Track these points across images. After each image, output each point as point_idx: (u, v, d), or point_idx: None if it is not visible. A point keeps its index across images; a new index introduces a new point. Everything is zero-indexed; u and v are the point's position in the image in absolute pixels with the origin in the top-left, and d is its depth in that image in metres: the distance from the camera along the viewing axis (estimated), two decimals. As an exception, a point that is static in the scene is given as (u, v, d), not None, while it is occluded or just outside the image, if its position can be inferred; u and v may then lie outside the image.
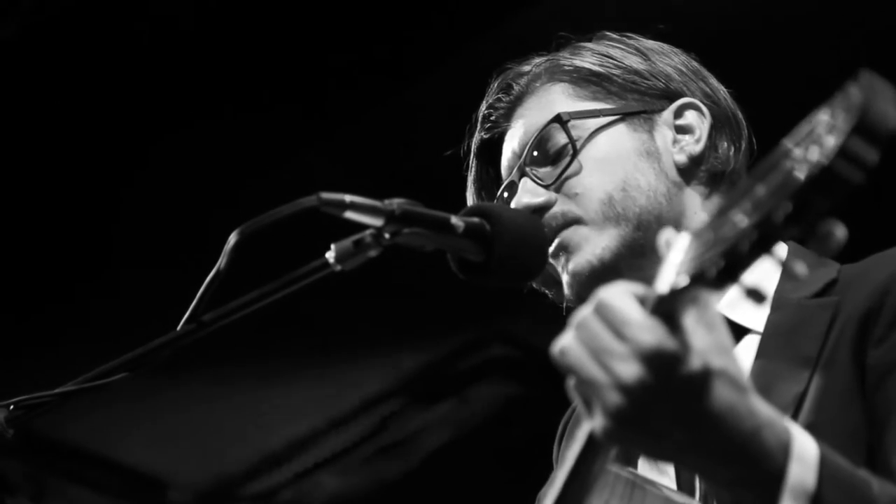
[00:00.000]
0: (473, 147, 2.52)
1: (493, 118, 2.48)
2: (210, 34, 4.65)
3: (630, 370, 1.47)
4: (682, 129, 2.38)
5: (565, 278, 2.31)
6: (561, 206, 2.33)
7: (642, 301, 1.50)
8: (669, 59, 2.44)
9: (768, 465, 1.53)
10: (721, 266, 1.41)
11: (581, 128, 2.36)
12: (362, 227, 1.94)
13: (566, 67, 2.43)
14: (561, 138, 2.36)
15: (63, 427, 5.85)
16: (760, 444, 1.52)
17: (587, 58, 2.43)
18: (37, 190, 5.04)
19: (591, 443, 1.62)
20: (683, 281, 1.44)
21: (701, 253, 1.43)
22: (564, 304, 2.36)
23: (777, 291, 2.20)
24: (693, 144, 2.36)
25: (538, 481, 2.22)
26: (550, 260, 2.31)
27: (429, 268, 2.40)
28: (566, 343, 1.53)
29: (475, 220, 2.06)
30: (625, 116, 2.37)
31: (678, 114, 2.39)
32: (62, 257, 5.21)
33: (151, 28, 4.63)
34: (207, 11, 4.59)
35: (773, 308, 2.18)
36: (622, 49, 2.43)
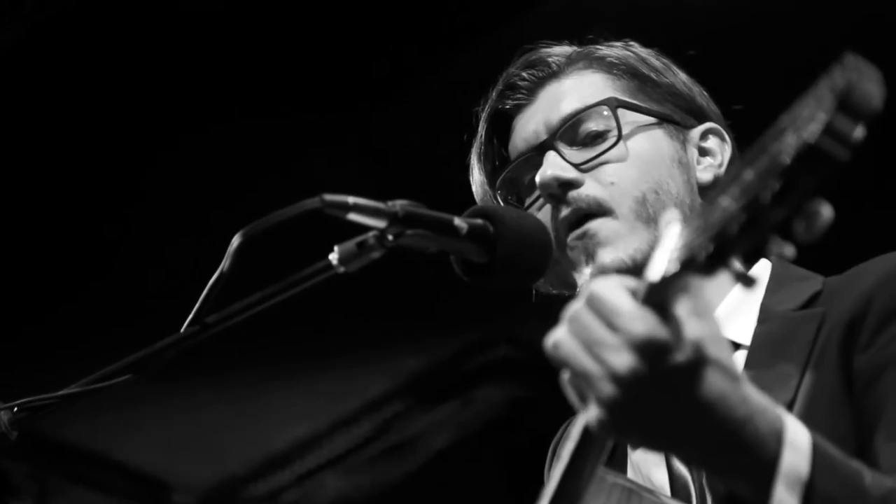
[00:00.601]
0: (487, 113, 2.49)
1: (517, 88, 2.45)
2: (218, 39, 4.65)
3: (622, 360, 1.48)
4: (704, 152, 2.40)
5: (588, 269, 2.27)
6: (592, 190, 2.30)
7: (634, 293, 1.51)
8: (698, 87, 2.47)
9: (761, 453, 1.54)
10: (710, 250, 1.42)
11: (624, 118, 2.35)
12: (366, 228, 1.94)
13: (608, 59, 2.43)
14: (603, 123, 2.35)
15: (67, 429, 5.86)
16: (753, 431, 1.53)
17: (629, 58, 2.43)
18: (43, 192, 5.05)
19: (586, 441, 1.64)
20: (674, 268, 1.45)
21: (691, 239, 1.44)
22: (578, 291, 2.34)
23: (763, 305, 2.22)
24: (716, 168, 2.38)
25: (541, 483, 2.22)
26: (569, 245, 2.29)
27: (432, 269, 2.40)
28: (559, 336, 1.53)
29: (478, 221, 2.06)
30: (665, 122, 2.38)
31: (703, 136, 2.41)
32: (66, 260, 5.22)
33: (158, 31, 4.63)
34: (212, 15, 4.59)
35: (760, 321, 2.20)
36: (660, 63, 2.45)
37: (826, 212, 1.39)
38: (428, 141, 4.72)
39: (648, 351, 1.47)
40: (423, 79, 4.73)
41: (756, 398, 1.54)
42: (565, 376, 1.54)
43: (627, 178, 2.31)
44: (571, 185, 2.31)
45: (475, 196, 2.51)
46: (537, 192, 2.36)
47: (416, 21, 4.58)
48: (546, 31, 2.57)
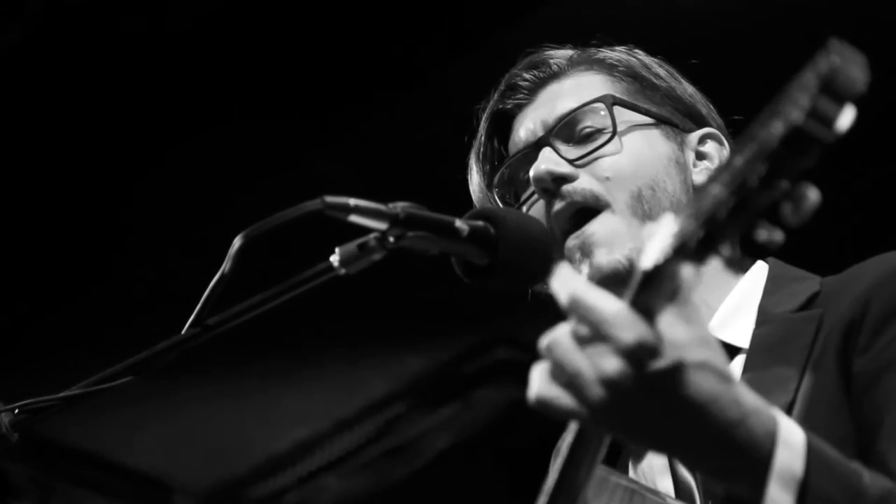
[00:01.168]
0: (488, 112, 2.52)
1: (518, 89, 2.48)
2: (218, 40, 4.66)
3: (611, 365, 1.48)
4: (701, 156, 2.42)
5: (584, 269, 2.28)
6: (587, 184, 2.32)
7: (627, 286, 1.51)
8: (693, 90, 2.49)
9: (755, 453, 1.53)
10: (701, 236, 1.43)
11: (621, 117, 2.37)
12: (367, 230, 1.94)
13: (609, 61, 2.45)
14: (597, 120, 2.37)
15: (68, 430, 5.86)
16: (747, 432, 1.53)
17: (628, 59, 2.45)
18: (43, 194, 5.05)
19: (578, 445, 1.64)
20: (666, 255, 1.46)
21: (683, 227, 1.45)
22: None
23: (761, 306, 2.23)
24: (712, 171, 2.38)
25: (542, 485, 2.22)
26: (568, 244, 2.30)
27: (433, 271, 2.40)
28: (552, 339, 1.54)
29: (480, 223, 2.06)
30: (662, 123, 2.40)
31: (701, 141, 2.42)
32: (66, 262, 5.22)
33: (158, 33, 4.64)
34: (213, 16, 4.59)
35: (758, 323, 2.20)
36: (661, 68, 2.47)
37: (813, 195, 1.40)
38: (429, 142, 4.72)
39: (636, 355, 1.48)
40: (423, 80, 4.73)
41: (749, 399, 1.54)
42: (556, 378, 1.54)
43: (623, 172, 2.32)
44: (565, 179, 2.33)
45: (473, 197, 2.52)
46: (532, 189, 2.37)
47: (416, 22, 4.58)
48: (547, 33, 2.58)
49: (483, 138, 2.51)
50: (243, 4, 4.60)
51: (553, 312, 2.32)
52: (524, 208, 2.40)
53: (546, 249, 2.16)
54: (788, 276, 2.26)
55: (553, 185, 2.32)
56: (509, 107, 2.48)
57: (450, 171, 2.58)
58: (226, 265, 1.90)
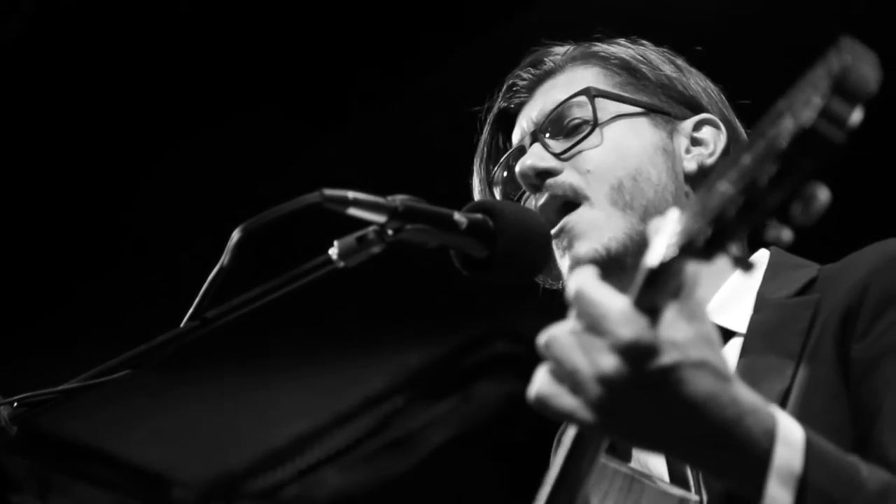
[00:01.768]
0: (490, 114, 2.55)
1: (517, 88, 2.52)
2: (215, 37, 4.65)
3: (608, 362, 1.48)
4: (696, 142, 2.43)
5: (566, 262, 2.32)
6: (569, 178, 2.35)
7: (632, 283, 1.51)
8: (698, 80, 2.50)
9: (754, 451, 1.54)
10: (708, 235, 1.42)
11: (606, 109, 2.40)
12: (366, 223, 1.94)
13: (601, 54, 2.48)
14: (583, 113, 2.39)
15: (67, 424, 5.86)
16: (745, 430, 1.53)
17: (624, 51, 2.47)
18: (42, 188, 5.05)
19: (580, 437, 1.65)
20: (673, 253, 1.45)
21: (689, 224, 1.44)
22: (562, 285, 2.37)
23: (759, 293, 2.24)
24: (706, 157, 2.41)
25: (541, 478, 2.22)
26: (553, 240, 2.32)
27: (432, 264, 2.40)
28: (551, 335, 1.54)
29: (478, 216, 2.06)
30: (650, 111, 2.41)
31: (697, 127, 2.44)
32: (66, 255, 5.22)
33: (156, 29, 4.63)
34: (212, 11, 4.59)
35: (756, 309, 2.21)
36: (659, 56, 2.49)
37: (823, 195, 1.39)
38: (428, 136, 4.72)
39: (633, 354, 1.48)
40: (423, 73, 4.73)
41: (748, 398, 1.54)
42: (552, 378, 1.53)
43: (604, 165, 2.34)
44: (549, 173, 2.36)
45: (475, 198, 2.53)
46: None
47: (416, 16, 4.58)
48: (543, 28, 2.58)
49: (486, 139, 2.55)
50: (240, 2, 4.60)
51: (552, 305, 2.32)
52: (521, 203, 2.42)
53: (544, 241, 2.17)
54: (788, 263, 2.27)
55: (537, 179, 2.36)
56: (511, 106, 2.53)
57: (448, 163, 2.58)
58: (224, 258, 1.90)
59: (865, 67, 1.37)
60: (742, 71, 2.57)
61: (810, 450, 1.56)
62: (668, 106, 2.43)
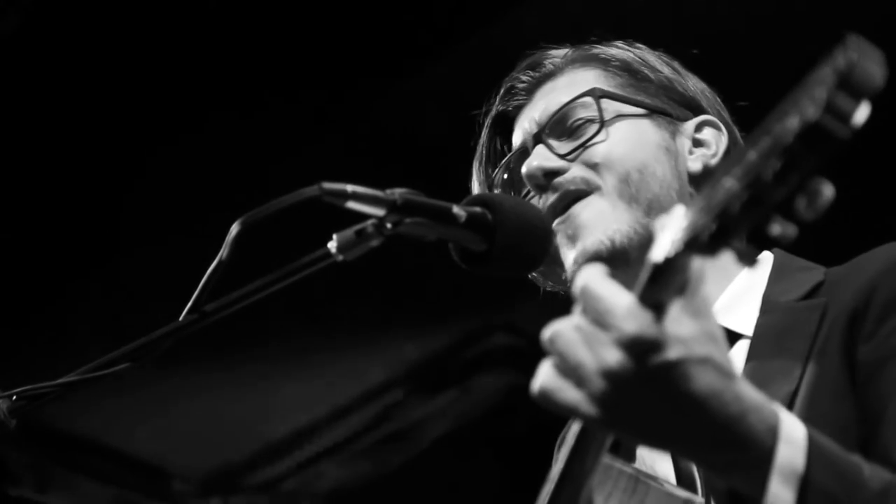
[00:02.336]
0: (489, 118, 2.55)
1: (515, 91, 2.52)
2: (214, 30, 4.65)
3: (612, 357, 1.49)
4: (698, 143, 2.43)
5: (572, 254, 2.31)
6: (578, 172, 2.35)
7: (637, 279, 1.51)
8: (696, 81, 2.51)
9: (756, 448, 1.54)
10: (713, 230, 1.42)
11: (609, 109, 2.40)
12: (364, 216, 1.94)
13: (602, 56, 2.48)
14: (587, 113, 2.39)
15: (66, 417, 5.86)
16: (748, 428, 1.53)
17: (623, 53, 2.48)
18: (40, 182, 5.04)
19: (584, 435, 1.65)
20: (678, 248, 1.45)
21: (694, 220, 1.44)
22: (567, 277, 2.36)
23: (765, 295, 2.24)
24: (710, 157, 2.41)
25: (540, 471, 2.22)
26: (556, 228, 2.32)
27: (431, 257, 2.40)
28: (556, 329, 1.54)
29: (477, 209, 2.06)
30: (652, 113, 2.42)
31: (698, 128, 2.44)
32: (65, 249, 5.22)
33: (154, 23, 4.63)
34: (211, 4, 4.59)
35: (763, 312, 2.21)
36: (657, 58, 2.49)
37: (828, 190, 1.39)
38: (427, 130, 4.72)
39: (637, 349, 1.48)
40: (422, 68, 4.73)
41: (751, 395, 1.54)
42: (556, 372, 1.54)
43: (611, 157, 2.35)
44: (556, 173, 2.36)
45: None
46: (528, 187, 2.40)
47: (411, 10, 4.58)
48: (541, 23, 2.59)
49: (485, 142, 2.55)
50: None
51: (551, 298, 2.33)
52: None
53: (543, 235, 2.16)
54: (793, 265, 2.27)
55: (545, 180, 2.36)
56: (509, 109, 2.53)
57: (447, 157, 2.58)
58: (223, 251, 1.90)
59: (871, 64, 1.37)
60: (737, 74, 2.57)
61: (813, 448, 1.56)
62: (669, 107, 2.43)
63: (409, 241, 2.01)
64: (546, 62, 2.50)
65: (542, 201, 2.36)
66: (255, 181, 4.86)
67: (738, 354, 2.17)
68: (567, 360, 1.52)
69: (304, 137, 4.95)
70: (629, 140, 2.37)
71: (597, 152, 2.35)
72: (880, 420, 1.96)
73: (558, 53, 2.52)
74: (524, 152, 2.43)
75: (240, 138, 4.92)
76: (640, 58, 2.47)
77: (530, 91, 2.50)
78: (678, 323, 1.49)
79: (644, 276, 1.49)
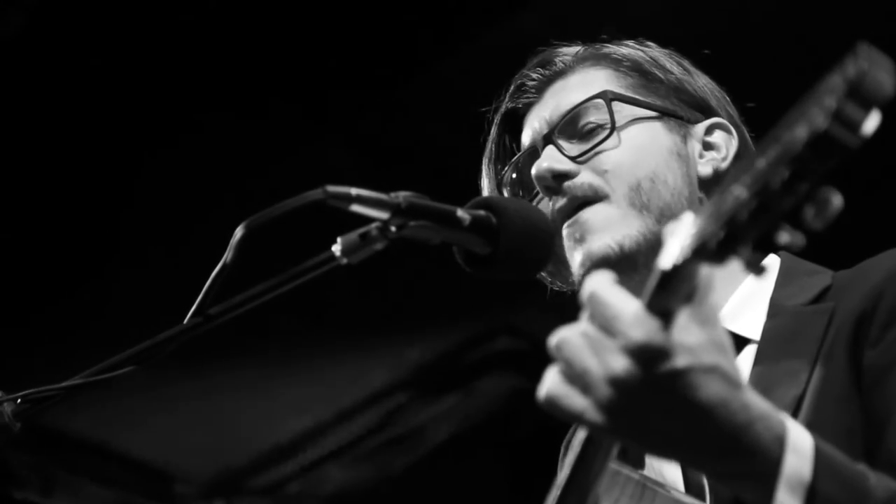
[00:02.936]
0: (498, 114, 2.54)
1: (525, 89, 2.50)
2: (213, 33, 4.65)
3: (619, 364, 1.48)
4: (708, 146, 2.42)
5: (578, 257, 2.30)
6: (588, 178, 2.34)
7: (646, 286, 1.51)
8: (706, 81, 2.49)
9: (764, 458, 1.54)
10: (721, 237, 1.42)
11: (621, 112, 2.38)
12: (368, 220, 1.94)
13: (613, 56, 2.46)
14: (598, 116, 2.38)
15: (70, 420, 5.86)
16: (755, 437, 1.53)
17: (635, 53, 2.46)
18: (43, 185, 5.05)
19: (591, 441, 1.65)
20: (686, 255, 1.45)
21: (703, 227, 1.44)
22: (574, 279, 2.36)
23: (772, 299, 2.24)
24: (720, 161, 2.40)
25: (544, 475, 2.22)
26: (564, 231, 2.32)
27: (435, 260, 2.40)
28: (563, 336, 1.54)
29: (481, 212, 2.06)
30: (664, 115, 2.40)
31: (708, 131, 2.43)
32: (68, 251, 5.22)
33: (153, 27, 4.63)
34: (214, 6, 4.59)
35: (770, 316, 2.21)
36: (667, 58, 2.48)
37: (836, 200, 1.39)
38: (431, 132, 4.72)
39: (644, 356, 1.48)
40: (422, 70, 4.73)
41: (758, 404, 1.54)
42: (563, 379, 1.53)
43: (622, 165, 2.34)
44: (566, 176, 2.35)
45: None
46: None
47: (418, 12, 4.58)
48: (544, 26, 2.58)
49: (494, 140, 2.54)
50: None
51: (555, 301, 2.33)
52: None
53: (547, 238, 2.16)
54: (800, 269, 2.27)
55: (554, 182, 2.35)
56: (519, 106, 2.51)
57: (451, 160, 2.58)
58: (228, 255, 1.90)
59: (882, 73, 1.37)
60: (746, 75, 2.57)
61: (819, 457, 1.56)
62: (680, 110, 2.42)
63: (414, 245, 2.00)
64: (557, 60, 2.49)
65: (552, 204, 2.36)
66: (257, 184, 4.86)
67: (746, 359, 2.17)
68: (573, 367, 1.51)
69: (306, 140, 4.95)
70: (641, 147, 2.35)
71: (607, 159, 2.34)
72: (886, 424, 1.96)
73: (569, 51, 2.51)
74: (534, 152, 2.42)
75: (245, 141, 4.92)
76: (651, 58, 2.46)
77: (540, 89, 2.49)
78: (686, 331, 1.49)
79: (652, 283, 1.49)
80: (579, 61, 2.48)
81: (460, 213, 2.03)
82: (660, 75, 2.43)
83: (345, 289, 4.51)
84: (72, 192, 5.07)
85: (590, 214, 2.31)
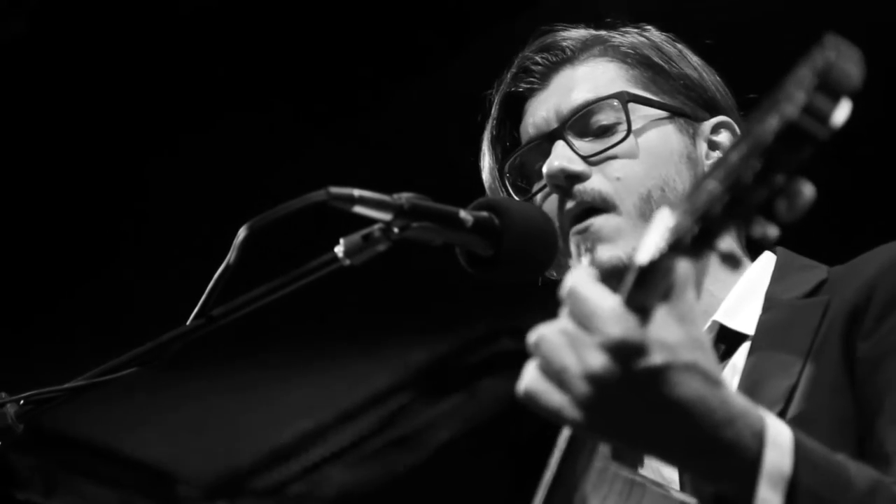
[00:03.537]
0: (500, 96, 2.51)
1: (531, 73, 2.47)
2: (218, 33, 4.65)
3: (596, 360, 1.48)
4: (714, 145, 2.41)
5: (585, 262, 2.30)
6: (598, 184, 2.32)
7: (622, 282, 1.51)
8: (712, 76, 2.48)
9: (743, 454, 1.54)
10: (696, 232, 1.43)
11: (635, 113, 2.37)
12: (371, 221, 1.94)
13: (623, 49, 2.44)
14: (613, 116, 2.37)
15: (72, 422, 5.86)
16: (734, 434, 1.53)
17: (644, 47, 2.44)
18: (45, 186, 5.05)
19: (574, 438, 1.65)
20: (661, 251, 1.46)
21: (678, 222, 1.45)
22: None
23: (768, 294, 2.24)
24: None
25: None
26: (571, 237, 2.31)
27: (437, 262, 2.40)
28: (541, 333, 1.54)
29: (484, 214, 2.06)
30: (676, 116, 2.39)
31: (715, 130, 2.42)
32: (70, 252, 5.22)
33: (158, 28, 4.63)
34: (218, 6, 4.59)
35: (765, 309, 2.22)
36: (675, 50, 2.46)
37: (808, 191, 1.40)
38: (433, 133, 4.72)
39: (621, 353, 1.48)
40: (429, 69, 4.73)
41: (737, 401, 1.55)
42: (541, 375, 1.53)
43: (634, 174, 2.32)
44: (578, 177, 2.33)
45: (484, 181, 2.52)
46: (544, 181, 2.37)
47: (422, 11, 4.58)
48: (551, 23, 2.57)
49: (495, 121, 2.51)
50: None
51: (558, 302, 2.32)
52: (537, 199, 2.41)
53: (550, 239, 2.16)
54: (796, 264, 2.28)
55: (566, 182, 2.34)
56: (521, 90, 2.48)
57: (454, 161, 2.58)
58: (230, 256, 1.90)
59: (849, 64, 1.38)
60: (747, 66, 2.56)
61: (799, 451, 1.56)
62: (689, 108, 2.41)
63: (416, 246, 2.00)
64: (563, 45, 2.46)
65: (559, 203, 2.35)
66: (260, 185, 4.86)
67: (742, 354, 2.17)
68: (552, 364, 1.52)
69: (309, 141, 4.95)
70: (653, 152, 2.34)
71: (619, 166, 2.33)
72: (877, 414, 1.97)
73: (574, 36, 2.48)
74: (542, 144, 2.41)
75: (247, 142, 4.92)
76: (658, 49, 2.44)
77: (545, 75, 2.46)
78: (664, 328, 1.49)
79: (629, 279, 1.50)
80: (586, 49, 2.45)
81: (463, 214, 2.03)
82: (668, 69, 2.42)
83: (348, 290, 4.51)
84: (75, 194, 5.07)
85: (600, 224, 2.30)
